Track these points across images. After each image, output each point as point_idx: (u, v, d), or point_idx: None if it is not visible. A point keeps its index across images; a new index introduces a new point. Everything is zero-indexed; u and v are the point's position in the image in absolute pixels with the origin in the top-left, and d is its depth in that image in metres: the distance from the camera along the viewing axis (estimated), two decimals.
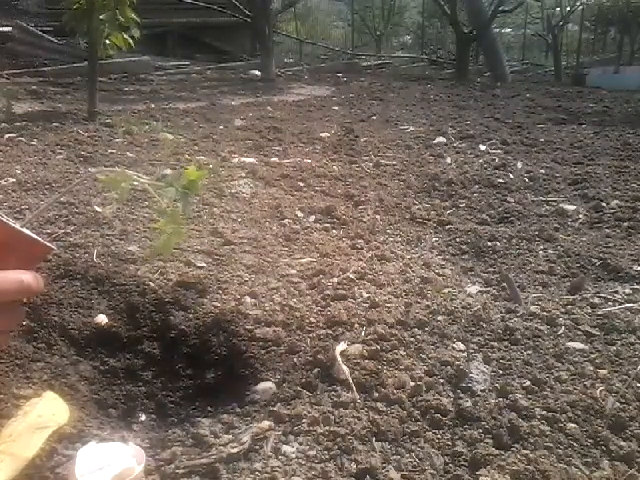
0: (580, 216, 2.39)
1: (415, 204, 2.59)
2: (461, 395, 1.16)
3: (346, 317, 1.47)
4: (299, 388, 1.19)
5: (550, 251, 2.00)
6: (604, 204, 2.52)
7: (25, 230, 0.63)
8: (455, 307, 1.55)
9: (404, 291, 1.67)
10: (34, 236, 0.64)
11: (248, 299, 1.59)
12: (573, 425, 1.07)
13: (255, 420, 1.10)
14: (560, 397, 1.15)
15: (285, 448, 1.02)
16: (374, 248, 2.02)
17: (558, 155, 3.61)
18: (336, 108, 5.80)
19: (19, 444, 0.97)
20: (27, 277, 0.61)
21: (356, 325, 1.44)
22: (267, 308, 1.54)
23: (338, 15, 18.75)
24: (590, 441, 1.04)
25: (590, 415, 1.10)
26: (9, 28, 8.30)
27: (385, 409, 1.12)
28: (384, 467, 0.98)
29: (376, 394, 1.17)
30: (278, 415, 1.10)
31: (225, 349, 1.40)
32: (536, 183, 2.92)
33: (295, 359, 1.31)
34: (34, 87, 6.05)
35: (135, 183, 0.80)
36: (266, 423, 1.07)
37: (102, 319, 1.46)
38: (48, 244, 0.66)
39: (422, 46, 15.35)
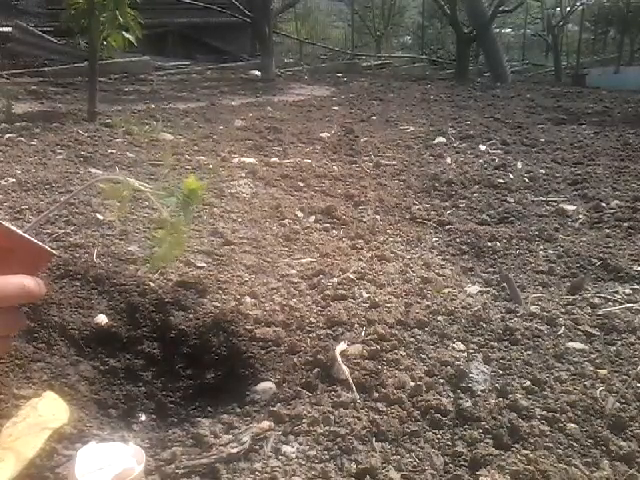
0: (580, 216, 2.39)
1: (415, 204, 2.60)
2: (461, 395, 1.16)
3: (346, 317, 1.47)
4: (299, 388, 1.19)
5: (550, 251, 2.00)
6: (604, 204, 2.52)
7: (28, 236, 0.63)
8: (455, 307, 1.55)
9: (404, 291, 1.67)
10: (37, 242, 0.64)
11: (248, 299, 1.59)
12: (573, 425, 1.07)
13: (255, 420, 1.10)
14: (560, 397, 1.15)
15: (285, 448, 1.02)
16: (374, 248, 2.02)
17: (558, 155, 3.61)
18: (336, 108, 5.80)
19: (19, 444, 0.97)
20: (29, 282, 0.62)
21: (356, 325, 1.44)
22: (267, 308, 1.54)
23: (338, 15, 18.71)
24: (590, 441, 1.04)
25: (590, 415, 1.10)
26: (9, 28, 8.29)
27: (385, 409, 1.12)
28: (384, 467, 0.98)
29: (376, 394, 1.17)
30: (278, 415, 1.10)
31: (225, 349, 1.40)
32: (536, 183, 2.92)
33: (295, 359, 1.31)
34: (34, 87, 6.04)
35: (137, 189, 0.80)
36: (266, 423, 1.07)
37: (102, 319, 1.46)
38: (51, 250, 0.66)
39: (422, 46, 15.34)
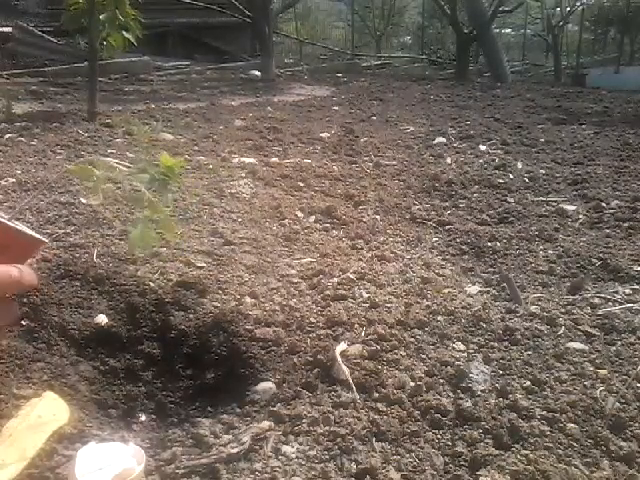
0: (580, 216, 2.39)
1: (415, 204, 2.59)
2: (461, 395, 1.16)
3: (346, 317, 1.47)
4: (299, 388, 1.19)
5: (550, 251, 2.00)
6: (604, 204, 2.52)
7: (15, 223, 0.63)
8: (455, 307, 1.55)
9: (404, 291, 1.67)
10: (27, 230, 0.63)
11: (248, 299, 1.59)
12: (573, 425, 1.07)
13: (255, 420, 1.10)
14: (560, 397, 1.15)
15: (285, 448, 1.02)
16: (374, 248, 2.02)
17: (558, 155, 3.60)
18: (336, 108, 5.80)
19: (19, 444, 0.97)
20: (15, 271, 0.61)
21: (356, 325, 1.44)
22: (267, 308, 1.54)
23: (338, 15, 18.70)
24: (590, 441, 1.04)
25: (590, 415, 1.10)
26: (9, 28, 8.29)
27: (385, 409, 1.12)
28: (384, 467, 0.98)
29: (376, 394, 1.17)
30: (278, 415, 1.10)
31: (225, 349, 1.40)
32: (536, 183, 2.92)
33: (295, 359, 1.31)
34: (34, 87, 6.04)
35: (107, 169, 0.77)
36: (266, 423, 1.08)
37: (102, 319, 1.46)
38: (39, 237, 0.66)
39: (422, 46, 15.34)
